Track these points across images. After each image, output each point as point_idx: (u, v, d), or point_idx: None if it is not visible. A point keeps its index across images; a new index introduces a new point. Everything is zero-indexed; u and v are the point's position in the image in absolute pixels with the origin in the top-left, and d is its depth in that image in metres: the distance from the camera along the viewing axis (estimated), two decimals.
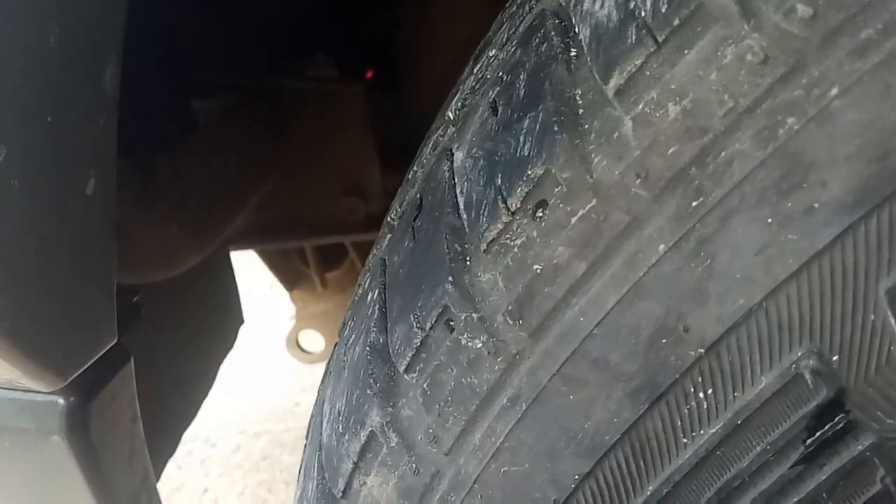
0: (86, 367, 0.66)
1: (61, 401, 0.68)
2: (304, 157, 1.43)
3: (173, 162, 1.11)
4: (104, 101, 0.55)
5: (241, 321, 1.53)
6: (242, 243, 1.52)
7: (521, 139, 0.45)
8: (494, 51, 0.56)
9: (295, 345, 1.95)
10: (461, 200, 0.49)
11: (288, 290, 1.83)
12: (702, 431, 0.43)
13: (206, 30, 1.27)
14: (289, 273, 1.80)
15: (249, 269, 1.81)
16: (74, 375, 0.65)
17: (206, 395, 1.35)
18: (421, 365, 0.49)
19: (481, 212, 0.46)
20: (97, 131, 0.56)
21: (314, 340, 1.93)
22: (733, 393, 0.41)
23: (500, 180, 0.45)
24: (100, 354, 0.68)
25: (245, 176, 1.32)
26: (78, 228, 0.58)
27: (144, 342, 1.08)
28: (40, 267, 0.56)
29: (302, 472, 0.66)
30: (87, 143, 0.55)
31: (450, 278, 0.47)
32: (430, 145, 0.61)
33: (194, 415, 1.30)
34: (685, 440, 0.43)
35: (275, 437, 2.42)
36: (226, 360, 1.46)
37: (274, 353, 2.53)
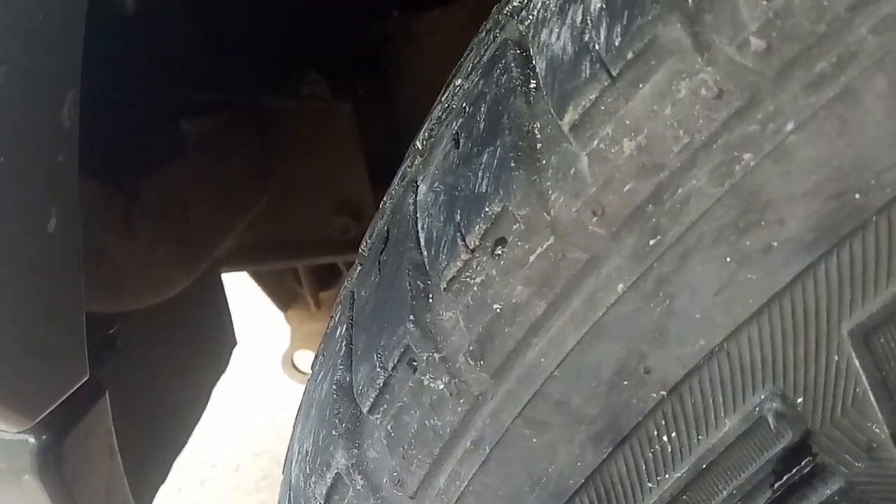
0: (56, 404, 0.65)
1: (32, 439, 0.67)
2: (295, 177, 1.42)
3: (160, 184, 1.10)
4: (63, 138, 0.54)
5: (234, 343, 1.52)
6: (233, 264, 1.51)
7: (480, 174, 0.44)
8: (460, 80, 0.55)
9: (290, 365, 1.93)
10: (422, 236, 0.48)
11: (282, 310, 1.82)
12: (667, 475, 0.41)
13: (198, 49, 1.26)
14: (283, 294, 1.79)
15: (246, 289, 1.80)
16: (43, 414, 0.64)
17: (198, 420, 1.34)
18: (385, 406, 0.48)
19: (441, 248, 0.45)
20: (57, 168, 0.55)
21: (310, 360, 1.92)
22: (697, 436, 0.40)
23: (459, 216, 0.44)
24: (71, 391, 0.67)
25: (235, 197, 1.31)
26: (40, 266, 0.57)
27: (132, 369, 1.07)
28: (2, 307, 0.55)
29: None
30: (46, 180, 0.54)
31: (411, 317, 0.46)
32: (399, 175, 0.60)
33: (186, 441, 1.28)
34: (650, 484, 0.42)
35: (275, 457, 2.40)
36: (225, 380, 1.45)
37: (273, 373, 2.52)
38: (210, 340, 1.43)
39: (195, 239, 1.21)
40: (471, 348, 0.44)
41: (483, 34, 0.58)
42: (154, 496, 1.16)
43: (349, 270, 0.66)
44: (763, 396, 0.38)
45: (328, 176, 1.42)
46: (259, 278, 1.74)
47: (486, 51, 0.53)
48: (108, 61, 0.80)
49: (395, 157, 1.58)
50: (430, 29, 1.45)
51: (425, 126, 0.58)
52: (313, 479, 0.53)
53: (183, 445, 1.29)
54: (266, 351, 2.52)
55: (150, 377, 1.19)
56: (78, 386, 0.68)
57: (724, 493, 0.41)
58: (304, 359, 1.90)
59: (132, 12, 1.08)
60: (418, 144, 0.58)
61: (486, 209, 0.42)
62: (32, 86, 0.49)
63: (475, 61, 0.54)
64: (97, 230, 0.94)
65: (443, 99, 0.58)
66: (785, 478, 0.40)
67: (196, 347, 1.38)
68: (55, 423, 0.67)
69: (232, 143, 1.31)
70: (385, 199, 0.62)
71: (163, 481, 1.21)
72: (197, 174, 1.22)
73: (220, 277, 1.50)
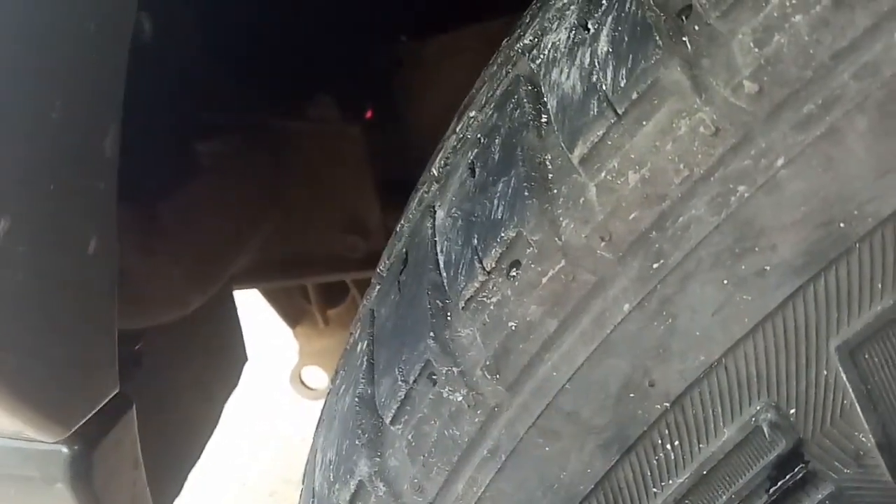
0: (88, 416, 0.68)
1: (65, 449, 0.70)
2: (305, 197, 1.45)
3: (176, 206, 1.14)
4: (104, 167, 0.58)
5: (245, 360, 1.54)
6: (245, 282, 1.54)
7: (496, 202, 0.48)
8: (474, 112, 0.59)
9: (298, 381, 1.96)
10: (441, 259, 0.51)
11: (291, 327, 1.85)
12: (670, 481, 0.45)
13: (210, 72, 1.30)
14: (291, 310, 1.82)
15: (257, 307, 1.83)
16: (77, 425, 0.67)
17: (210, 435, 1.36)
18: (406, 417, 0.52)
19: (459, 270, 0.49)
20: (98, 194, 0.59)
21: (318, 377, 1.95)
22: (698, 444, 0.43)
23: (476, 241, 0.48)
24: (102, 404, 0.70)
25: (247, 217, 1.34)
26: (80, 286, 0.61)
27: (148, 384, 1.11)
28: (44, 323, 0.58)
29: None
30: (88, 206, 0.58)
31: (431, 333, 0.50)
32: (416, 200, 0.63)
33: (199, 456, 1.31)
34: (655, 490, 0.45)
35: (282, 475, 2.42)
36: (234, 397, 1.47)
37: (281, 389, 2.54)
38: (222, 356, 1.46)
39: (210, 257, 1.24)
40: (487, 363, 0.47)
41: (495, 68, 0.61)
42: None
43: (367, 290, 0.69)
44: (758, 408, 0.42)
45: (338, 196, 1.46)
46: (269, 295, 1.77)
47: (498, 85, 0.57)
48: (128, 86, 0.84)
49: (404, 178, 1.61)
50: (440, 53, 1.49)
51: (441, 154, 0.62)
52: (337, 486, 0.56)
53: (196, 460, 1.32)
54: (273, 368, 2.55)
55: (164, 392, 1.22)
56: (109, 399, 0.71)
57: (724, 497, 0.44)
58: (312, 375, 1.93)
59: (150, 38, 1.12)
60: (434, 171, 0.62)
61: (502, 234, 0.46)
62: (83, 119, 0.52)
63: (488, 94, 0.58)
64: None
65: (457, 129, 0.62)
66: (779, 483, 0.43)
67: (209, 363, 1.41)
68: (87, 435, 0.70)
69: (245, 164, 1.34)
70: (402, 222, 0.65)
71: (177, 495, 1.24)
72: (212, 195, 1.25)
73: (232, 295, 1.53)
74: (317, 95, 1.50)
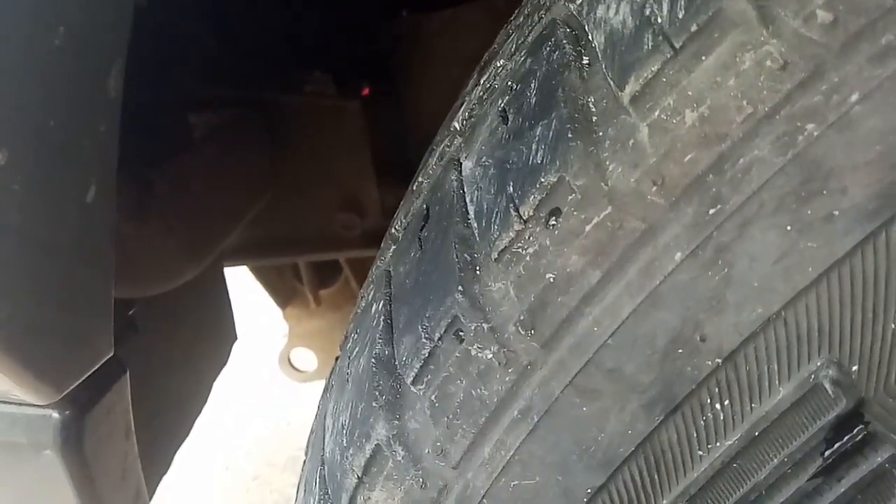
0: (81, 379, 0.65)
1: (56, 414, 0.66)
2: (301, 173, 1.42)
3: (171, 175, 1.10)
4: (107, 107, 0.54)
5: (235, 338, 1.51)
6: (236, 259, 1.50)
7: (534, 147, 0.45)
8: (502, 61, 0.56)
9: (287, 363, 1.92)
10: (471, 209, 0.48)
11: (281, 307, 1.81)
12: (718, 444, 0.42)
13: (206, 44, 1.26)
14: (282, 290, 1.79)
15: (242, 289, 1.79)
16: (70, 388, 0.63)
17: (199, 412, 1.33)
18: (429, 376, 0.49)
19: (492, 220, 0.46)
20: (99, 137, 0.55)
21: (306, 359, 1.92)
22: (750, 404, 0.41)
23: (511, 188, 0.45)
24: (96, 367, 0.67)
25: (242, 190, 1.31)
26: (77, 236, 0.57)
27: (137, 358, 1.07)
28: (38, 274, 0.55)
29: (302, 487, 0.65)
30: (88, 149, 0.54)
31: (459, 288, 0.47)
32: (436, 156, 0.60)
33: (188, 432, 1.28)
34: (701, 452, 0.42)
35: (266, 458, 2.39)
36: (218, 379, 1.44)
37: (266, 372, 2.51)
38: (212, 333, 1.43)
39: (204, 229, 1.21)
40: (521, 318, 0.44)
41: (521, 19, 0.58)
42: (157, 487, 1.16)
43: (379, 252, 0.66)
44: (819, 364, 0.39)
45: (334, 173, 1.43)
46: (260, 274, 1.74)
47: (530, 31, 0.54)
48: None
49: (401, 156, 1.58)
50: (440, 29, 1.46)
51: (463, 108, 0.59)
52: (351, 451, 0.53)
53: (185, 437, 1.28)
54: (259, 350, 2.51)
55: (153, 368, 1.19)
56: (103, 362, 0.68)
57: (775, 460, 0.41)
58: (301, 357, 1.90)
59: (145, 4, 1.08)
60: (456, 125, 0.59)
61: (542, 180, 0.43)
62: (87, 50, 0.49)
63: (519, 42, 0.55)
64: None
65: (481, 81, 0.59)
66: (836, 445, 0.40)
67: (198, 340, 1.37)
68: (78, 399, 0.67)
69: (240, 138, 1.31)
70: (420, 179, 0.62)
71: (165, 472, 1.21)
72: (206, 167, 1.22)
73: (222, 271, 1.50)
74: (314, 71, 1.47)
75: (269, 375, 2.42)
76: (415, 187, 0.63)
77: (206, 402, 1.37)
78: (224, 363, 1.47)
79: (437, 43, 1.46)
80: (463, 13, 1.44)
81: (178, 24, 1.19)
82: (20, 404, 0.66)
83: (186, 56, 1.23)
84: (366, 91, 1.54)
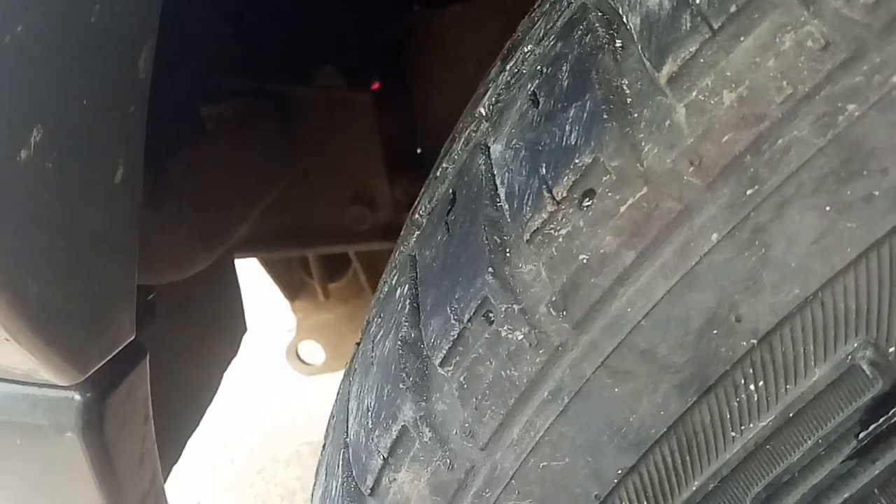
0: (104, 361, 0.65)
1: (77, 396, 0.66)
2: (312, 166, 1.42)
3: (184, 163, 1.10)
4: (137, 88, 0.54)
5: (245, 329, 1.51)
6: (247, 251, 1.50)
7: (567, 128, 0.45)
8: (530, 46, 0.56)
9: (295, 356, 1.93)
10: (501, 192, 0.48)
11: (289, 300, 1.81)
12: (751, 425, 0.42)
13: (222, 34, 1.26)
14: (291, 283, 1.79)
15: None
16: (94, 369, 0.64)
17: (210, 402, 1.33)
18: (457, 358, 0.49)
19: (524, 202, 0.46)
20: (129, 118, 0.55)
21: (314, 352, 1.92)
22: (785, 385, 0.41)
23: (544, 170, 0.45)
24: (118, 349, 0.67)
25: (254, 182, 1.32)
26: (104, 217, 0.57)
27: (151, 345, 1.07)
28: (66, 254, 0.55)
29: (323, 471, 0.65)
30: (118, 130, 0.55)
31: (489, 269, 0.47)
32: (461, 142, 0.60)
33: (199, 422, 1.28)
34: (734, 434, 0.43)
35: (270, 452, 2.39)
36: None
37: (271, 366, 2.51)
38: (223, 324, 1.43)
39: (217, 219, 1.21)
40: (553, 299, 0.44)
41: (549, 5, 0.59)
42: (168, 474, 1.16)
43: (400, 237, 0.66)
44: (855, 345, 0.39)
45: (345, 166, 1.43)
46: (269, 266, 1.74)
47: (559, 17, 0.54)
48: None
49: (413, 149, 1.58)
50: (451, 24, 1.46)
51: (489, 94, 0.59)
52: (377, 433, 0.53)
53: (196, 426, 1.29)
54: (264, 344, 2.51)
55: (166, 356, 1.19)
56: (124, 345, 0.68)
57: (809, 442, 0.42)
58: (309, 350, 1.90)
59: None
60: (482, 111, 0.59)
61: (576, 160, 0.43)
62: (119, 28, 0.49)
63: (547, 27, 0.55)
64: None
65: (507, 67, 0.59)
66: (871, 427, 0.40)
67: (210, 330, 1.38)
68: (100, 382, 0.67)
69: (252, 129, 1.31)
70: (444, 165, 0.62)
71: (176, 461, 1.21)
72: (219, 157, 1.22)
73: (233, 262, 1.50)
74: (324, 66, 1.47)
75: (274, 370, 2.43)
76: (438, 173, 0.63)
77: (216, 392, 1.37)
78: (235, 354, 1.47)
79: (448, 37, 1.47)
80: (474, 8, 1.44)
81: (193, 14, 1.19)
82: (42, 385, 0.66)
83: (200, 47, 1.23)
84: (376, 85, 1.54)
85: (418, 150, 1.56)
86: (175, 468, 1.21)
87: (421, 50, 1.50)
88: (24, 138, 0.45)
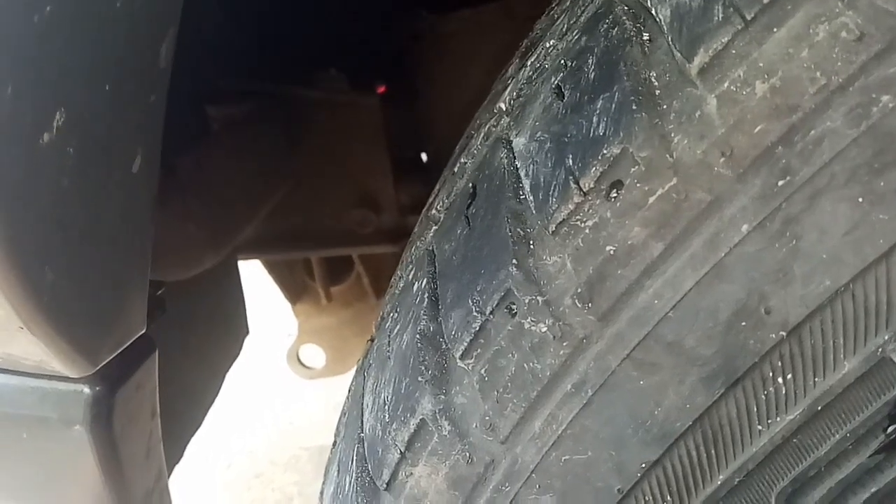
0: (115, 353, 0.64)
1: (87, 389, 0.66)
2: (318, 168, 1.42)
3: (191, 162, 1.10)
4: (158, 77, 0.54)
5: (247, 331, 1.51)
6: (251, 252, 1.50)
7: (595, 119, 0.44)
8: (552, 41, 0.56)
9: (296, 360, 1.92)
10: (526, 184, 0.48)
11: (291, 303, 1.81)
12: (778, 418, 0.42)
13: (229, 35, 1.27)
14: (294, 286, 1.78)
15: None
16: (104, 362, 0.63)
17: (212, 402, 1.32)
18: (479, 350, 0.48)
19: (550, 193, 0.46)
20: (148, 108, 0.55)
21: (315, 356, 1.91)
22: (814, 378, 0.41)
23: (571, 161, 0.45)
24: (129, 343, 0.66)
25: (260, 182, 1.31)
26: (122, 206, 0.57)
27: (158, 343, 1.06)
28: (83, 243, 0.54)
29: (334, 468, 0.65)
30: (137, 118, 0.54)
31: (514, 261, 0.47)
32: (481, 137, 0.60)
33: (201, 422, 1.27)
34: (760, 427, 0.42)
35: (268, 455, 2.38)
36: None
37: (269, 370, 2.50)
38: (226, 325, 1.42)
39: (223, 218, 1.21)
40: (579, 291, 0.44)
41: (568, 3, 0.59)
42: (170, 474, 1.15)
43: (414, 232, 0.66)
44: (886, 338, 0.39)
45: (350, 169, 1.43)
46: (272, 268, 1.73)
47: (582, 12, 0.54)
48: None
49: (418, 153, 1.58)
50: (458, 29, 1.47)
51: (509, 89, 0.59)
52: (394, 426, 0.53)
53: (197, 427, 1.28)
54: (263, 348, 2.50)
55: (169, 355, 1.18)
56: (135, 339, 0.68)
57: (836, 436, 0.41)
58: (310, 354, 1.89)
59: None
60: (502, 106, 0.59)
61: (604, 151, 0.43)
62: (144, 14, 0.49)
63: (570, 22, 0.55)
64: None
65: (528, 63, 0.59)
66: None
67: (213, 330, 1.37)
68: (109, 375, 0.66)
69: (258, 131, 1.31)
70: (462, 160, 0.62)
71: (178, 461, 1.20)
72: (225, 157, 1.22)
73: (236, 264, 1.49)
74: (329, 69, 1.47)
75: (275, 373, 2.42)
76: (455, 169, 0.63)
77: (218, 393, 1.37)
78: (237, 355, 1.46)
79: (455, 42, 1.47)
80: (481, 14, 1.44)
81: (199, 15, 1.19)
82: (51, 378, 0.66)
83: (207, 48, 1.23)
84: (382, 89, 1.54)
85: (423, 155, 1.57)
86: (173, 472, 1.20)
87: (427, 54, 1.50)
88: (47, 121, 0.44)
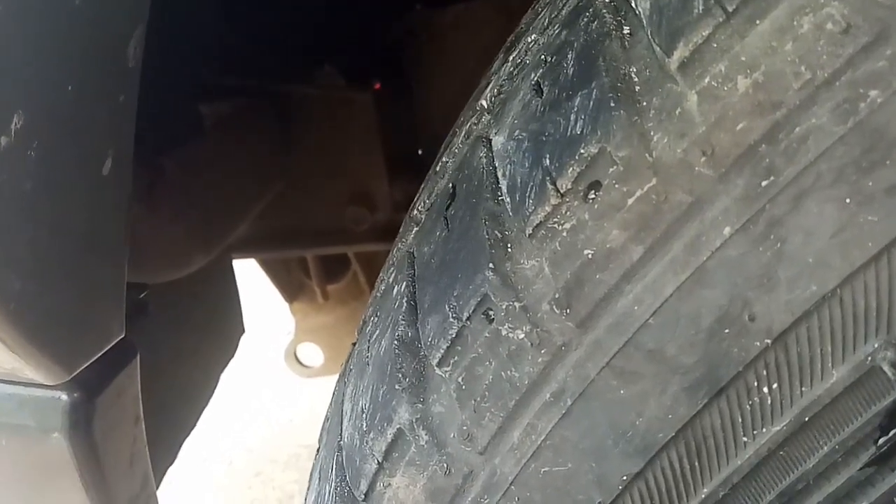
0: (93, 359, 0.63)
1: (64, 396, 0.64)
2: (311, 165, 1.41)
3: (182, 162, 1.09)
4: (126, 76, 0.52)
5: (243, 331, 1.49)
6: (245, 251, 1.49)
7: (573, 118, 0.43)
8: (534, 36, 0.54)
9: (293, 358, 1.90)
10: (503, 184, 0.46)
11: (288, 302, 1.79)
12: (764, 430, 0.40)
13: (220, 32, 1.25)
14: (290, 284, 1.77)
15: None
16: (80, 368, 0.62)
17: (206, 404, 1.31)
18: (455, 358, 0.47)
19: (527, 195, 0.44)
20: (118, 108, 0.53)
21: (313, 354, 1.90)
22: (801, 388, 0.39)
23: (548, 161, 0.43)
24: (107, 348, 0.65)
25: (252, 180, 1.30)
26: (92, 209, 0.55)
27: (146, 346, 1.05)
28: (52, 248, 0.53)
29: (316, 475, 0.63)
30: (106, 119, 0.53)
31: (490, 265, 0.45)
32: (462, 135, 0.58)
33: (195, 424, 1.26)
34: (746, 439, 0.40)
35: (267, 454, 2.37)
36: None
37: (268, 369, 2.49)
38: (220, 325, 1.41)
39: (214, 218, 1.20)
40: (556, 296, 0.42)
41: None
42: (163, 477, 1.14)
43: (399, 235, 0.64)
44: (875, 346, 0.37)
45: (345, 166, 1.42)
46: (268, 267, 1.72)
47: (564, 5, 0.52)
48: None
49: (413, 149, 1.57)
50: (452, 24, 1.45)
51: (490, 86, 0.57)
52: (371, 435, 0.51)
53: (192, 428, 1.27)
54: (261, 347, 2.49)
55: (161, 358, 1.17)
56: (113, 344, 0.66)
57: (825, 448, 0.39)
58: (308, 352, 1.88)
59: None
60: (483, 103, 0.57)
61: (581, 151, 0.41)
62: (107, 13, 0.47)
63: (552, 16, 0.53)
64: None
65: (510, 59, 0.57)
66: (891, 433, 0.38)
67: (207, 331, 1.36)
68: (88, 382, 0.65)
69: (251, 128, 1.30)
70: (444, 160, 0.60)
71: (171, 464, 1.19)
72: (217, 155, 1.21)
73: (231, 264, 1.48)
74: (323, 65, 1.46)
75: (272, 371, 2.41)
76: (438, 168, 0.61)
77: (213, 393, 1.35)
78: (232, 355, 1.45)
79: (450, 38, 1.45)
80: (475, 8, 1.43)
81: (191, 12, 1.17)
82: (28, 385, 0.64)
83: (199, 44, 1.21)
84: (377, 85, 1.52)
85: (419, 151, 1.55)
86: (171, 471, 1.19)
87: (422, 50, 1.48)
88: (3, 125, 0.43)
